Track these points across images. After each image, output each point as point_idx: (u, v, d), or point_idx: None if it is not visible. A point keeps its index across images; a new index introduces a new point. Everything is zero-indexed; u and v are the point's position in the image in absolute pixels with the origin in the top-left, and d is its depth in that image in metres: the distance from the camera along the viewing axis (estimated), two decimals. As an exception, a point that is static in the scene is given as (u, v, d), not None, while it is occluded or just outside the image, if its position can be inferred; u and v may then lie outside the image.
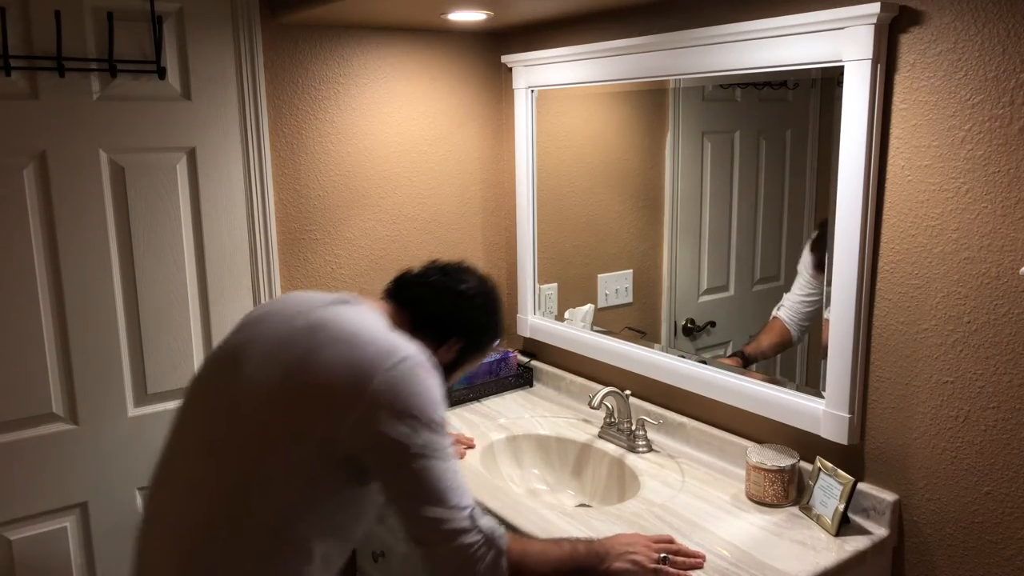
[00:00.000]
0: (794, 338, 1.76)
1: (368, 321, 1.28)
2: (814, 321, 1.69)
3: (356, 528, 1.34)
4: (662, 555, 1.38)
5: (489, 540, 1.24)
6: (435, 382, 1.25)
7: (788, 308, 1.79)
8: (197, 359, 2.01)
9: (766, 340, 1.83)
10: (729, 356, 1.89)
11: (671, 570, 1.36)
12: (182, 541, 1.25)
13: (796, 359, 1.76)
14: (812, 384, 1.67)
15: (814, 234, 1.70)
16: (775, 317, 1.79)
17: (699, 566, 1.41)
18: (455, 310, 1.40)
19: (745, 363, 1.86)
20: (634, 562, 1.35)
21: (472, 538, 1.22)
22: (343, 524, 1.30)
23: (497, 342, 1.50)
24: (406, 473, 1.20)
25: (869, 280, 1.52)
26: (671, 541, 1.44)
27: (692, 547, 1.46)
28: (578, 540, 1.38)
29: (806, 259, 1.72)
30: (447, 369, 1.41)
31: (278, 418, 1.22)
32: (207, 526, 1.23)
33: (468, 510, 1.23)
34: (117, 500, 1.95)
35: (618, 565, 1.34)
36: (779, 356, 1.80)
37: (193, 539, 1.24)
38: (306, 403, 1.21)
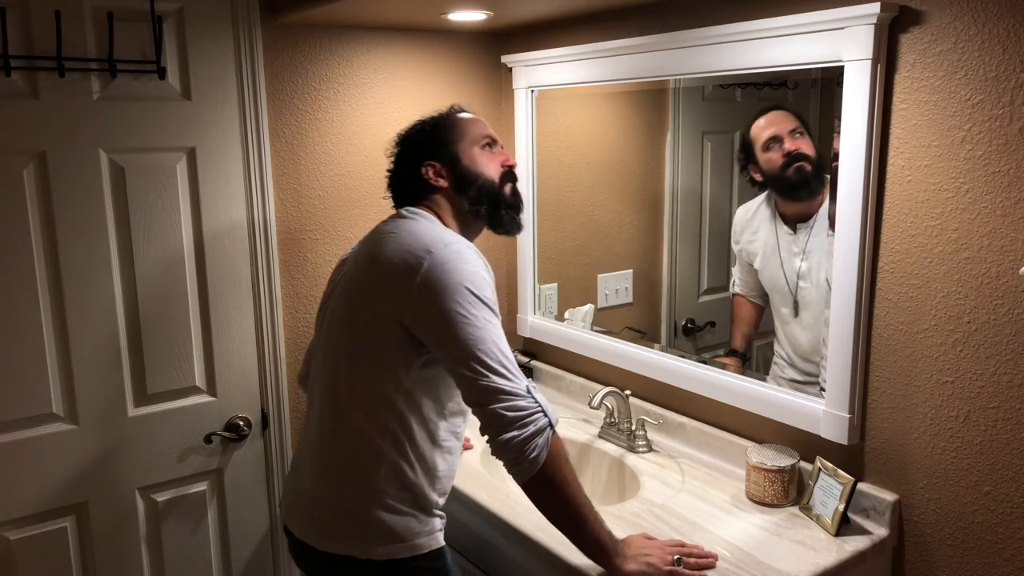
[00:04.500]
0: (763, 306, 1.82)
1: (421, 225, 1.47)
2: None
3: (451, 407, 1.47)
4: (676, 557, 1.38)
5: (545, 413, 1.33)
6: (478, 263, 1.40)
7: (741, 284, 1.85)
8: (197, 359, 2.01)
9: (743, 326, 1.87)
10: (725, 357, 1.89)
11: (686, 571, 1.37)
12: (319, 431, 1.49)
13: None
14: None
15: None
16: (735, 295, 1.86)
17: (711, 566, 1.41)
18: (408, 152, 1.59)
19: (742, 359, 1.86)
20: (649, 564, 1.35)
21: (529, 404, 1.31)
22: (439, 401, 1.44)
23: (454, 122, 1.60)
24: (458, 340, 1.31)
25: (869, 280, 1.52)
26: (682, 546, 1.44)
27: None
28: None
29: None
30: (464, 186, 1.55)
31: (363, 307, 1.43)
32: (331, 412, 1.46)
33: (524, 382, 1.34)
34: (117, 500, 1.95)
35: (632, 567, 1.35)
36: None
37: (322, 427, 1.48)
38: (379, 290, 1.40)
